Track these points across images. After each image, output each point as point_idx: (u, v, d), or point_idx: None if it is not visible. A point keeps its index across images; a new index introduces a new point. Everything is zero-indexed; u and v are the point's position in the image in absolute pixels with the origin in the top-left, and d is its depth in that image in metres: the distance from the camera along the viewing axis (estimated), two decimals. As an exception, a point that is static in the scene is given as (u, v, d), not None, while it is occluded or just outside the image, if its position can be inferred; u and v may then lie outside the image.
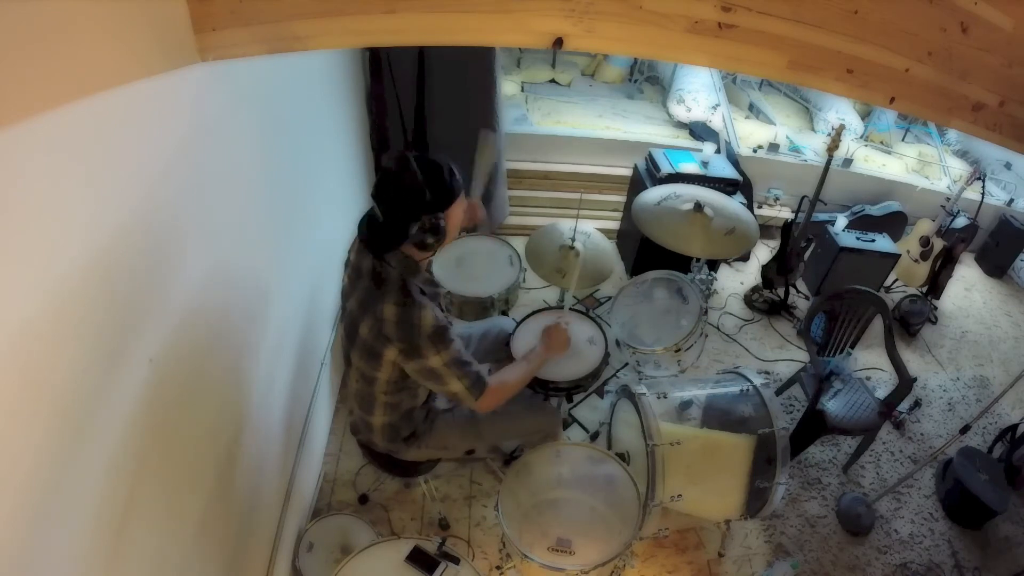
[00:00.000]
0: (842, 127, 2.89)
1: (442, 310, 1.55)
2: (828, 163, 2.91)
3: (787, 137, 4.05)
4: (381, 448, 1.73)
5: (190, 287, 1.17)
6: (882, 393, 2.61)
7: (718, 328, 3.33)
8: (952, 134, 4.67)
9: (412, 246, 1.40)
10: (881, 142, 4.46)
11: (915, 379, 2.55)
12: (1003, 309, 3.90)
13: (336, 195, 2.42)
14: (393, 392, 1.55)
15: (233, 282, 1.42)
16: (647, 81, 4.76)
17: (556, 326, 1.80)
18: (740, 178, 3.31)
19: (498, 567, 1.90)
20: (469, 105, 3.04)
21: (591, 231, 2.37)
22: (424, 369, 1.45)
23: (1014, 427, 2.76)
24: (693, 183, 2.96)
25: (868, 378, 3.08)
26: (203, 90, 1.18)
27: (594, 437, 2.53)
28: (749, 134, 3.99)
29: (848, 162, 3.95)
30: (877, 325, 2.56)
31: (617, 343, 2.34)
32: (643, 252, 3.23)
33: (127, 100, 0.91)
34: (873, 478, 2.63)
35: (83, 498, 0.87)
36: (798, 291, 3.61)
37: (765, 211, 3.96)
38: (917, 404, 3.00)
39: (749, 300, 3.53)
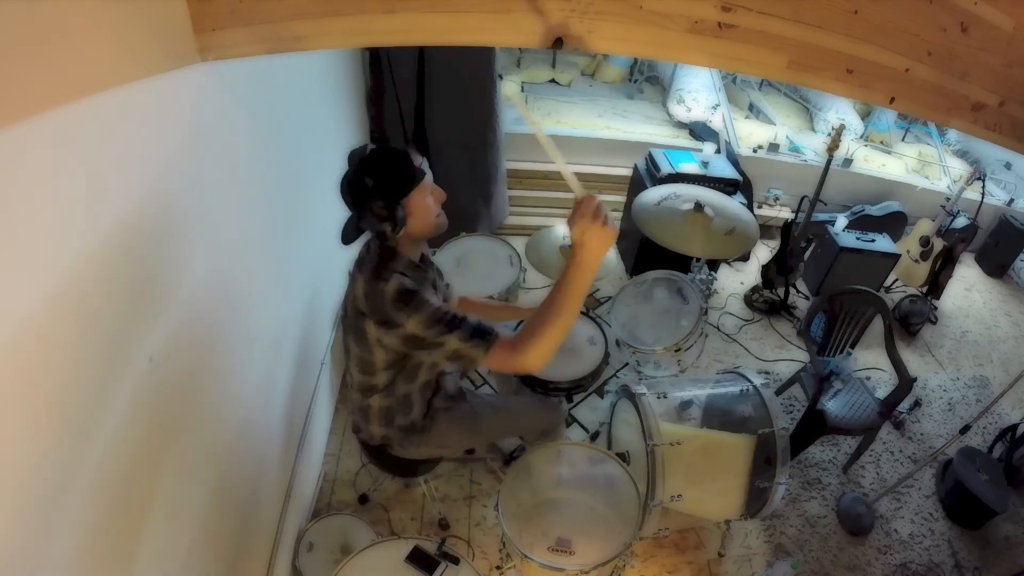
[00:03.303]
0: (842, 127, 2.89)
1: (434, 289, 1.53)
2: (828, 163, 2.91)
3: (787, 137, 4.05)
4: (378, 438, 1.70)
5: (190, 286, 1.17)
6: (882, 393, 2.61)
7: (718, 328, 3.33)
8: (952, 134, 4.66)
9: (376, 235, 1.45)
10: (881, 142, 4.46)
11: (915, 379, 2.55)
12: (1003, 309, 3.90)
13: (336, 195, 2.42)
14: (390, 370, 1.55)
15: (233, 281, 1.42)
16: (647, 81, 4.76)
17: (586, 201, 1.19)
18: (740, 178, 3.31)
19: (498, 567, 1.90)
20: (469, 104, 3.04)
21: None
22: (408, 338, 1.39)
23: (1014, 427, 2.76)
24: (693, 183, 2.96)
25: (868, 378, 3.08)
26: (203, 90, 1.18)
27: (594, 437, 2.53)
28: (749, 134, 3.99)
29: (848, 162, 3.95)
30: (877, 325, 2.56)
31: (617, 343, 2.34)
32: (643, 252, 3.23)
33: (127, 100, 0.91)
34: (873, 478, 2.63)
35: (83, 498, 0.87)
36: (798, 291, 3.61)
37: (765, 211, 3.96)
38: (917, 404, 3.00)
39: (749, 300, 3.52)
